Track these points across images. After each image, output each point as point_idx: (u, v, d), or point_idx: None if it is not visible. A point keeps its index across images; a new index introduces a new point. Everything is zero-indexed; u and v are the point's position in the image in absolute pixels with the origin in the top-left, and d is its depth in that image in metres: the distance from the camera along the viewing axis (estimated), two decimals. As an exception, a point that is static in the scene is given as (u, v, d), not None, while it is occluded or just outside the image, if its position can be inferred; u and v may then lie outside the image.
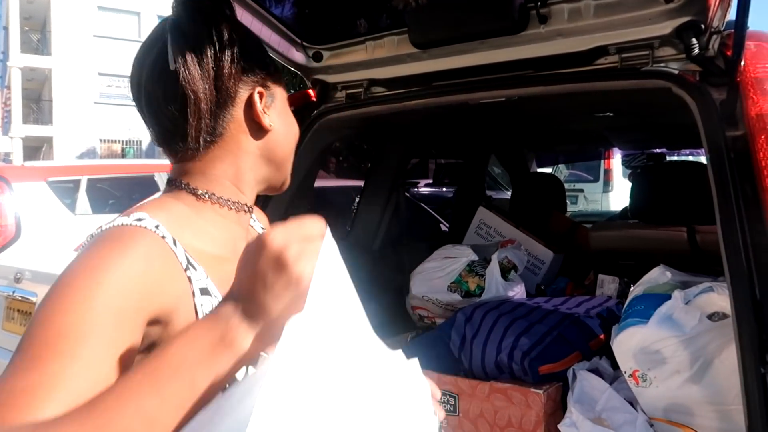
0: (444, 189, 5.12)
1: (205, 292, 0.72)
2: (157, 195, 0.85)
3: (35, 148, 27.89)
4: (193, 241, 0.75)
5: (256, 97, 0.80)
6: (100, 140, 26.54)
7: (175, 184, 0.82)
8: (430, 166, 5.05)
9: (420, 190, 5.49)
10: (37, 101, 28.60)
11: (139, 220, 0.71)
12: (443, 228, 4.01)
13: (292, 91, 2.19)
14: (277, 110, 0.85)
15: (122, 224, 0.70)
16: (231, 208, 0.82)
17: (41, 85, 28.32)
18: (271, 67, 0.85)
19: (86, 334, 0.59)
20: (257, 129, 0.82)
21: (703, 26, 1.42)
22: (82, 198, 5.48)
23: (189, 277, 0.71)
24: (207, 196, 0.80)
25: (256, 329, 0.57)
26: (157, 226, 0.71)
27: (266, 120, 0.82)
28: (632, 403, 1.47)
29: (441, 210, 4.40)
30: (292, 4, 2.14)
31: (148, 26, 26.98)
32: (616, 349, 1.46)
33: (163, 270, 0.68)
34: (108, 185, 5.90)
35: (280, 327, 0.51)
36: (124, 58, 26.39)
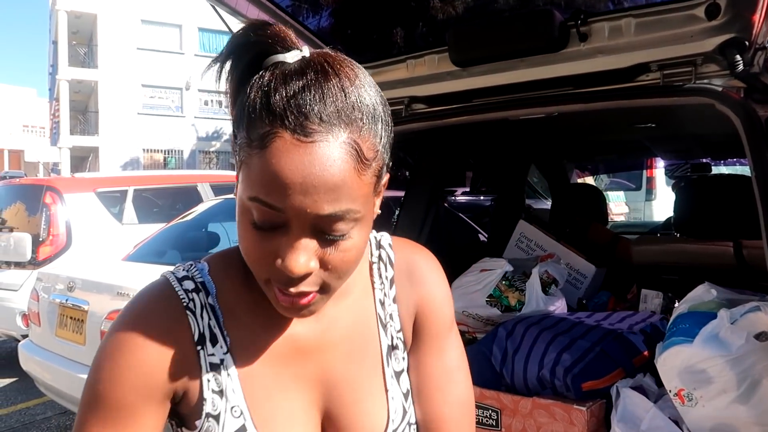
0: (481, 197, 5.10)
1: (215, 367, 0.70)
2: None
3: (82, 158, 28.88)
4: (244, 311, 0.73)
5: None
6: (144, 150, 27.31)
7: None
8: (467, 174, 5.05)
9: (457, 198, 5.49)
10: (84, 113, 29.63)
11: (183, 279, 0.72)
12: (482, 238, 4.01)
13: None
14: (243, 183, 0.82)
15: (158, 285, 0.74)
16: None
17: (88, 97, 29.35)
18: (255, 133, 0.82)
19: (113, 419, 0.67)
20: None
21: (747, 43, 1.42)
22: (129, 208, 5.66)
23: (198, 352, 0.69)
24: None
25: None
26: (196, 289, 0.72)
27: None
28: (677, 422, 1.46)
29: (478, 219, 4.40)
30: (330, 19, 2.19)
31: (189, 38, 27.72)
32: (660, 367, 1.46)
33: (166, 352, 0.68)
34: (152, 195, 6.09)
35: None
36: (166, 70, 27.20)
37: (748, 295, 1.51)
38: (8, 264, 5.28)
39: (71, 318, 3.34)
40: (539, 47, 1.69)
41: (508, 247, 2.64)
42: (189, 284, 0.72)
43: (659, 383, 1.54)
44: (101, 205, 5.46)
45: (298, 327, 0.74)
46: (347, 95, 0.60)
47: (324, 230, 0.60)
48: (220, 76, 0.66)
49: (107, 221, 5.44)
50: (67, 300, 3.38)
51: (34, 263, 4.98)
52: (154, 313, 0.71)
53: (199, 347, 0.70)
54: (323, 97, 0.58)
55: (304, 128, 0.57)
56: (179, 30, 27.85)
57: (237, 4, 1.81)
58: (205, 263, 0.75)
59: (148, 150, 27.46)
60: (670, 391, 1.44)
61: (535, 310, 2.01)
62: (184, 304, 0.70)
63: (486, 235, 3.92)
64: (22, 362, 3.72)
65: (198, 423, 0.70)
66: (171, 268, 0.76)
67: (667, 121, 2.20)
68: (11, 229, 5.38)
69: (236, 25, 1.99)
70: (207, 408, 0.69)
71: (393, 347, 0.79)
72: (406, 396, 0.78)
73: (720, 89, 1.46)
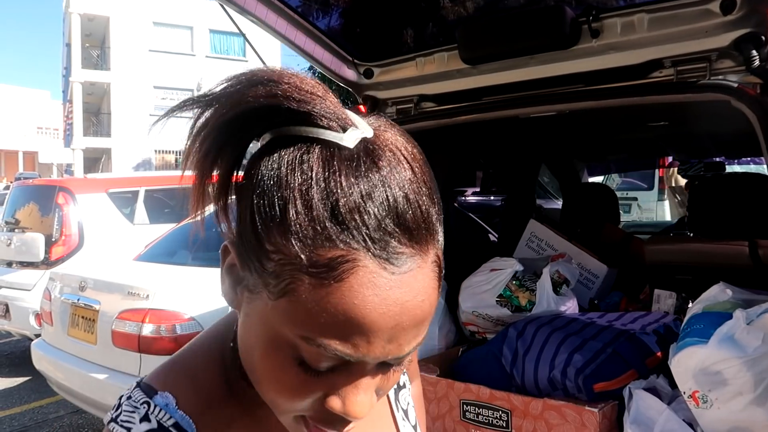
0: (492, 197, 5.07)
1: None
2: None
3: (95, 159, 29.12)
4: None
5: None
6: (155, 151, 27.49)
7: None
8: (477, 174, 5.03)
9: (467, 198, 5.46)
10: (97, 114, 29.88)
11: (146, 419, 0.51)
12: (492, 238, 3.99)
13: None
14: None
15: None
16: None
17: (100, 99, 29.57)
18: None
19: None
20: None
21: (763, 38, 1.39)
22: (140, 208, 5.69)
23: None
24: None
25: None
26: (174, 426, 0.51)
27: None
28: (692, 424, 1.43)
29: (489, 219, 4.37)
30: (340, 18, 2.19)
31: (200, 40, 27.86)
32: (674, 368, 1.43)
33: None
34: (164, 195, 6.12)
35: None
36: (178, 71, 27.37)
37: (764, 296, 1.48)
38: (21, 264, 5.33)
39: (83, 317, 3.36)
40: (550, 44, 1.68)
41: (518, 246, 2.61)
42: (154, 424, 0.51)
43: (673, 384, 1.51)
44: (113, 206, 5.50)
45: None
46: (427, 195, 0.44)
47: (391, 362, 0.46)
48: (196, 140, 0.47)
49: (119, 221, 5.48)
50: (78, 300, 3.40)
51: (47, 263, 5.02)
52: None
53: None
54: (408, 204, 0.42)
55: (393, 253, 0.42)
56: (190, 32, 27.99)
57: (245, 3, 1.80)
58: (167, 395, 0.53)
59: (159, 151, 27.63)
60: (684, 392, 1.42)
61: (545, 311, 1.99)
62: None
63: (496, 235, 3.90)
64: (35, 361, 3.75)
65: None
66: (122, 390, 0.55)
67: (680, 118, 2.17)
68: (24, 230, 5.43)
69: (245, 25, 1.99)
70: None
71: (400, 387, 0.70)
72: (415, 428, 0.70)
73: (735, 85, 1.43)
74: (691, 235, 2.19)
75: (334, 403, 0.45)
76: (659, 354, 1.71)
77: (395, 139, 0.45)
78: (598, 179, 5.33)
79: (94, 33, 28.49)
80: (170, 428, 0.51)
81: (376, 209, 0.41)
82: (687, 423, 1.43)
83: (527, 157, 3.37)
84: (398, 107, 2.06)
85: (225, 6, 1.85)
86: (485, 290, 2.12)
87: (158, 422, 0.51)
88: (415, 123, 2.00)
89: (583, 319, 1.90)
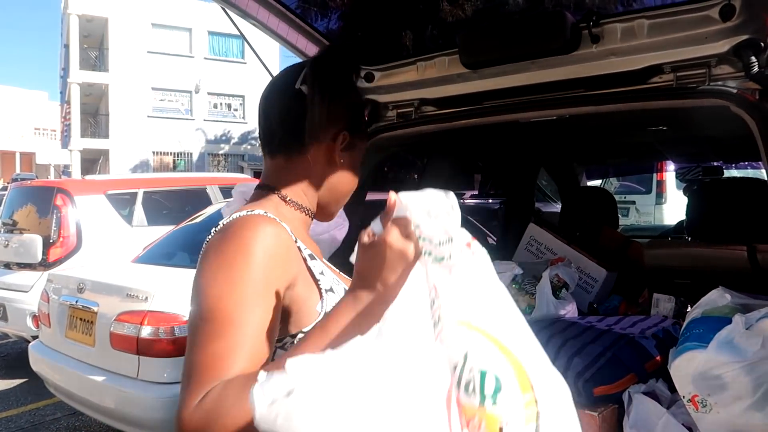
0: (490, 200, 5.09)
1: (312, 257, 0.94)
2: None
3: (92, 161, 29.07)
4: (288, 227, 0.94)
5: (341, 137, 0.99)
6: (153, 152, 27.45)
7: (266, 188, 1.01)
8: (476, 177, 5.03)
9: (465, 201, 5.47)
10: (95, 115, 29.83)
11: (257, 211, 0.91)
12: (490, 241, 3.99)
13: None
14: (350, 157, 1.03)
15: (247, 214, 0.90)
16: (304, 213, 1.02)
17: (98, 100, 29.53)
18: (363, 126, 1.06)
19: (250, 305, 0.81)
20: (330, 161, 1.00)
21: (762, 44, 1.40)
22: (138, 210, 5.69)
23: (299, 247, 0.92)
24: (291, 202, 1.00)
25: (378, 294, 0.77)
26: (268, 215, 0.91)
27: (338, 158, 1.00)
28: (691, 429, 1.43)
29: (486, 222, 4.37)
30: (342, 22, 2.19)
31: (199, 41, 27.86)
32: (674, 373, 1.44)
33: (287, 243, 0.89)
34: (162, 197, 6.11)
35: (395, 292, 0.72)
36: (176, 73, 27.34)
37: (763, 300, 1.49)
38: (19, 265, 5.31)
39: (81, 319, 3.35)
40: (550, 49, 1.69)
41: (518, 250, 2.62)
42: (264, 212, 0.92)
43: (672, 389, 1.52)
44: (111, 208, 5.49)
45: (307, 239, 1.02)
46: None
47: None
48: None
49: (117, 223, 5.47)
50: (77, 301, 3.39)
51: (45, 264, 5.01)
52: (265, 221, 0.89)
53: (297, 242, 0.92)
54: None
55: None
56: (189, 33, 27.98)
57: (247, 6, 1.81)
58: (255, 208, 0.93)
59: (157, 153, 27.60)
60: (683, 397, 1.42)
61: (545, 315, 2.00)
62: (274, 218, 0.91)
63: (495, 239, 3.90)
64: (32, 363, 3.74)
65: (318, 307, 0.90)
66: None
67: (679, 123, 2.18)
68: (22, 231, 5.42)
69: (245, 27, 1.99)
70: (323, 285, 0.92)
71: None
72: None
73: (735, 91, 1.44)
74: (690, 239, 2.20)
75: None
76: (658, 358, 1.71)
77: None
78: (597, 183, 5.35)
79: (92, 34, 28.45)
80: (274, 217, 0.91)
81: None
82: (686, 427, 1.44)
83: (527, 161, 3.38)
84: (399, 111, 2.07)
85: (225, 8, 1.85)
86: (484, 294, 2.12)
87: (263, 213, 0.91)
88: (415, 127, 2.00)
89: (583, 323, 1.90)
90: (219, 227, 0.91)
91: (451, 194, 0.77)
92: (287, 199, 0.99)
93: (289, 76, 0.99)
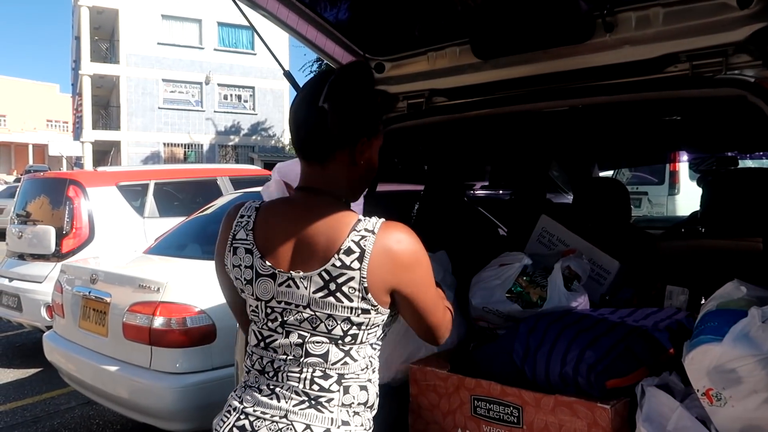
0: (501, 192, 5.05)
1: None
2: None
3: (104, 152, 29.26)
4: None
5: (360, 141, 1.17)
6: (164, 144, 27.58)
7: (311, 191, 1.20)
8: (486, 168, 5.00)
9: (476, 192, 5.44)
10: (106, 107, 29.98)
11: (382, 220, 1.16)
12: (501, 232, 3.97)
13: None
14: (370, 154, 1.22)
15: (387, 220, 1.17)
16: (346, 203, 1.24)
17: (109, 92, 29.68)
18: (377, 126, 1.22)
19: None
20: (353, 161, 1.19)
21: (781, 32, 1.37)
22: (150, 201, 5.71)
23: None
24: (344, 201, 1.22)
25: None
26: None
27: (360, 159, 1.19)
28: (705, 422, 1.42)
29: (498, 213, 4.34)
30: (351, 12, 2.17)
31: (209, 33, 27.87)
32: (688, 366, 1.42)
33: None
34: (173, 189, 6.13)
35: None
36: (186, 65, 27.41)
37: (780, 293, 1.46)
38: (33, 256, 5.37)
39: (94, 310, 3.38)
40: (564, 38, 1.66)
41: (529, 242, 2.60)
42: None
43: (685, 382, 1.50)
44: (123, 199, 5.52)
45: None
46: None
47: None
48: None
49: (129, 215, 5.50)
50: (90, 292, 3.42)
51: (58, 255, 5.05)
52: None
53: None
54: None
55: None
56: (199, 25, 28.00)
57: (257, -3, 1.79)
58: (375, 217, 1.17)
59: (168, 144, 27.72)
60: (698, 390, 1.41)
61: (557, 306, 1.98)
62: None
63: (506, 230, 3.88)
64: (47, 353, 3.78)
65: None
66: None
67: (694, 113, 2.15)
68: (36, 222, 5.47)
69: (254, 17, 1.98)
70: None
71: None
72: None
73: (752, 80, 1.41)
74: (704, 231, 2.17)
75: None
76: (672, 351, 1.70)
77: None
78: (608, 173, 5.30)
79: (103, 26, 28.55)
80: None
81: None
82: (700, 420, 1.42)
83: (538, 152, 3.35)
84: (409, 102, 2.05)
85: (237, 0, 1.84)
86: (495, 285, 2.11)
87: None
88: (426, 118, 1.99)
89: (595, 315, 1.89)
90: (375, 225, 1.14)
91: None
92: (342, 200, 1.21)
93: (314, 88, 1.15)
